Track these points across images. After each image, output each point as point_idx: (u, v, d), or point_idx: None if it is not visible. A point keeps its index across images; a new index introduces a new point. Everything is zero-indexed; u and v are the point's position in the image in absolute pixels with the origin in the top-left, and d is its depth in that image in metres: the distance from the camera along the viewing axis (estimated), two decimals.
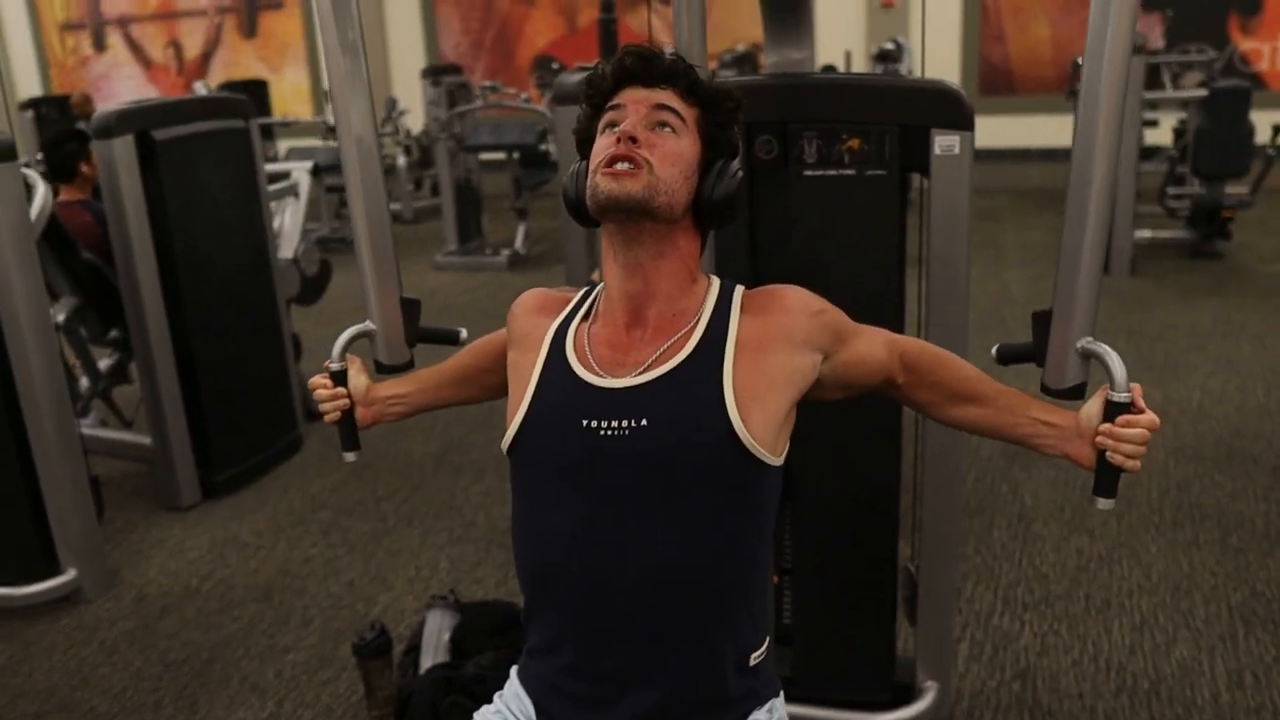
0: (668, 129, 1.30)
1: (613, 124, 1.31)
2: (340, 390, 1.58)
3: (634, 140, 1.27)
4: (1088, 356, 1.42)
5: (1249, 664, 2.44)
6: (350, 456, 1.64)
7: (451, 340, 1.75)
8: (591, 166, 1.30)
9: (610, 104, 1.33)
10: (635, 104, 1.30)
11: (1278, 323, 4.95)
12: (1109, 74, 1.32)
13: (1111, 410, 1.29)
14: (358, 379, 1.61)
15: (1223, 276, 5.82)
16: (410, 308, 1.72)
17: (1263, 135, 5.99)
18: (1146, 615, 2.65)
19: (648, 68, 1.31)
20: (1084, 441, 1.32)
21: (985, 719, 2.29)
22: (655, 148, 1.28)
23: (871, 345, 1.40)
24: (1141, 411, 1.28)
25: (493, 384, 1.58)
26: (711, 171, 1.33)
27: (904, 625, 2.27)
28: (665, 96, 1.31)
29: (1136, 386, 1.29)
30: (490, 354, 1.57)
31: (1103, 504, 1.33)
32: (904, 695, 2.19)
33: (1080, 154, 1.36)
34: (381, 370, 1.72)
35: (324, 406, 1.59)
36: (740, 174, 1.35)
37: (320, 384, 1.60)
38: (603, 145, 1.30)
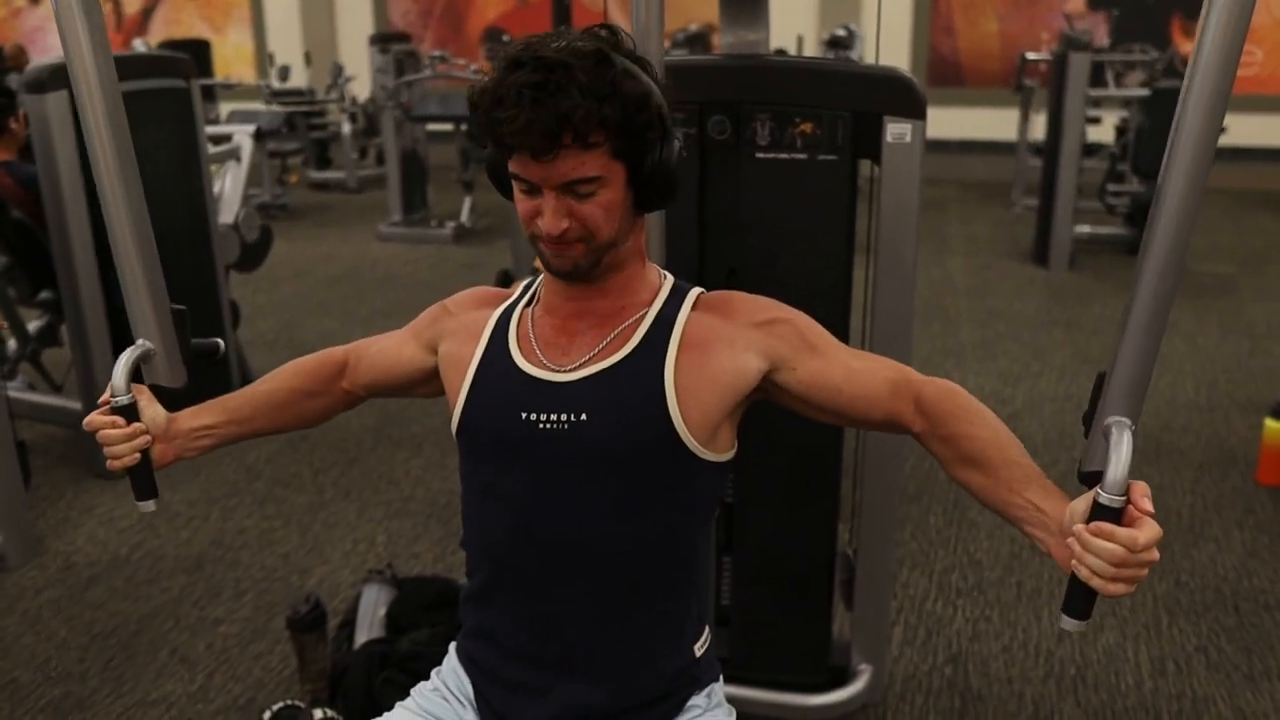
0: (587, 195, 1.16)
1: (525, 190, 1.18)
2: (138, 427, 1.34)
3: (562, 231, 1.17)
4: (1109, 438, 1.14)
5: (1171, 653, 2.50)
6: (149, 506, 1.37)
7: (212, 353, 1.51)
8: (524, 222, 1.20)
9: (512, 162, 1.17)
10: (543, 181, 1.15)
11: (1209, 321, 5.08)
12: (1194, 164, 1.07)
13: (1096, 512, 1.03)
14: (153, 410, 1.37)
15: None
16: (181, 319, 1.46)
17: None
18: None
19: (538, 143, 1.11)
20: (1063, 540, 1.09)
21: (917, 702, 2.33)
22: (585, 218, 1.17)
23: (859, 373, 1.27)
24: (1132, 523, 1.03)
25: (317, 410, 1.46)
26: (642, 171, 1.18)
27: (840, 609, 2.29)
28: (570, 165, 1.13)
29: (1140, 486, 1.04)
30: (319, 376, 1.45)
31: (1067, 624, 1.08)
32: (839, 677, 2.21)
33: (1160, 223, 1.09)
34: (158, 394, 1.42)
35: (117, 449, 1.32)
36: (675, 156, 1.21)
37: (106, 423, 1.33)
38: (526, 209, 1.18)
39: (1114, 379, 1.13)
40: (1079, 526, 1.04)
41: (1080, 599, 1.06)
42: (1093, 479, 1.08)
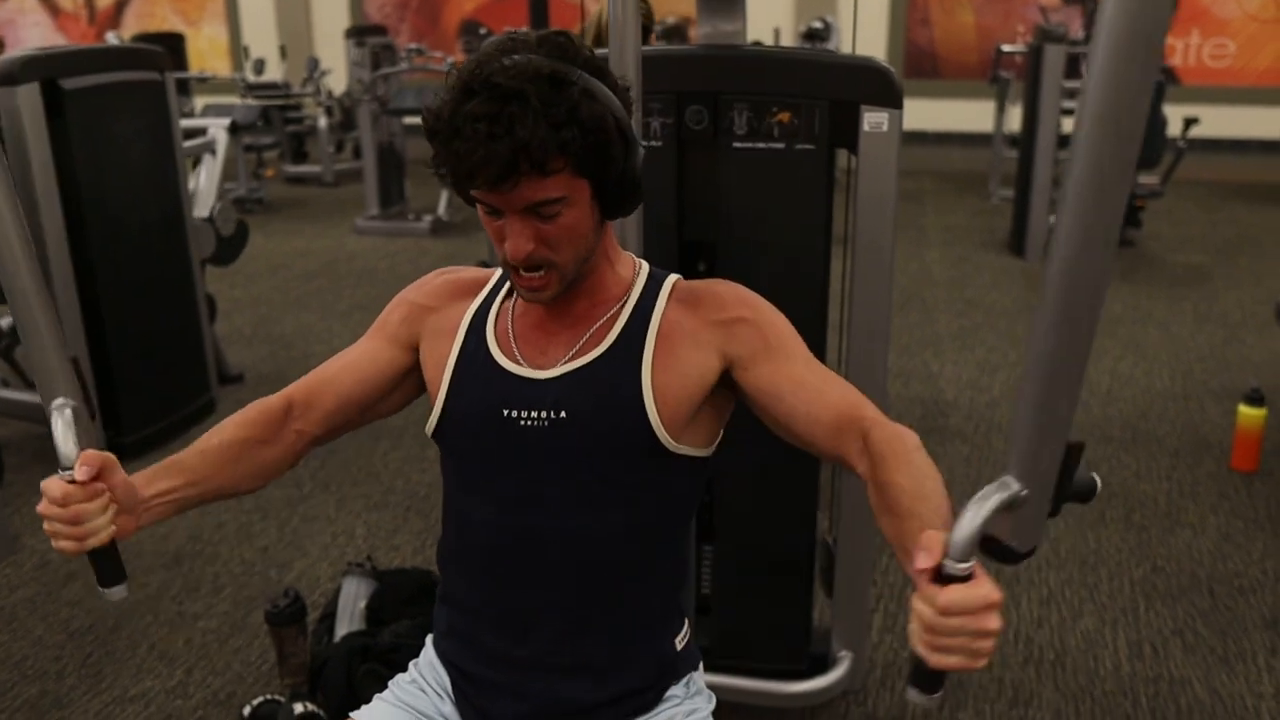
0: (552, 216, 1.14)
1: (489, 212, 1.15)
2: (108, 498, 1.12)
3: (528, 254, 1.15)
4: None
5: (1149, 636, 2.52)
6: (119, 593, 1.18)
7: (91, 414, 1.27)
8: (494, 244, 1.18)
9: (472, 190, 1.13)
10: (505, 206, 1.13)
11: (1183, 310, 5.12)
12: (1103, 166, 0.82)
13: (939, 578, 0.91)
14: (124, 479, 1.15)
15: (1133, 264, 5.99)
16: (78, 368, 1.25)
17: (1174, 128, 6.16)
18: (1054, 589, 2.73)
19: (495, 175, 1.08)
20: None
21: (897, 688, 2.34)
22: (551, 241, 1.15)
23: (804, 388, 1.20)
24: (947, 579, 0.90)
25: (268, 462, 1.30)
26: (607, 184, 1.16)
27: (820, 597, 2.30)
28: (531, 190, 1.10)
29: (933, 546, 0.91)
30: (268, 423, 1.30)
31: (912, 696, 0.96)
32: (819, 665, 2.22)
33: (1061, 269, 0.87)
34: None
35: (95, 524, 1.11)
36: (639, 164, 1.18)
37: (87, 494, 1.10)
38: (493, 231, 1.16)
39: (1012, 436, 0.96)
40: (915, 594, 0.92)
41: (922, 672, 0.93)
42: (987, 543, 0.96)
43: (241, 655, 2.49)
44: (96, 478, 1.11)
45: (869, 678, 2.36)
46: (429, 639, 1.42)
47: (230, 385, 4.13)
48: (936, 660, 0.90)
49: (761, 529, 2.14)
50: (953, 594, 0.88)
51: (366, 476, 3.42)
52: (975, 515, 0.91)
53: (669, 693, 1.34)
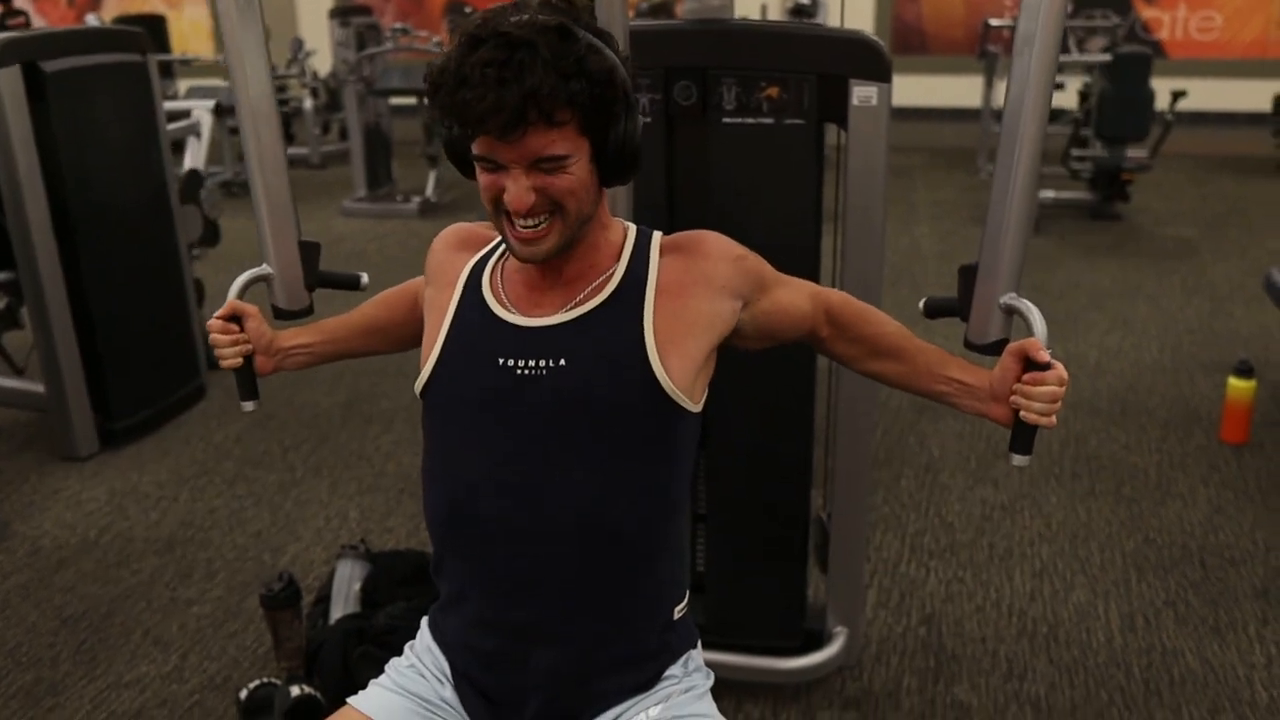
0: (554, 170, 1.15)
1: (491, 166, 1.16)
2: (242, 335, 1.50)
3: (530, 206, 1.16)
4: (1010, 313, 1.42)
5: (1140, 608, 2.54)
6: (249, 406, 1.57)
7: (352, 285, 1.70)
8: (487, 201, 1.19)
9: (476, 143, 1.15)
10: (510, 161, 1.14)
11: (1171, 284, 5.13)
12: (1042, 36, 1.32)
13: (1029, 368, 1.28)
14: (259, 327, 1.51)
15: (1121, 237, 6.00)
16: (309, 251, 1.67)
17: (1162, 101, 6.16)
18: (1046, 562, 2.74)
19: (505, 123, 1.09)
20: (998, 401, 1.32)
21: (892, 663, 2.35)
22: (551, 190, 1.16)
23: (794, 296, 1.36)
24: (1050, 367, 1.27)
25: (400, 336, 1.54)
26: (608, 145, 1.18)
27: (815, 573, 2.31)
28: (538, 143, 1.12)
29: (1035, 342, 1.29)
30: (399, 305, 1.53)
31: (1018, 460, 1.33)
32: (814, 641, 2.23)
33: (1011, 111, 1.37)
34: (279, 316, 1.64)
35: (223, 352, 1.50)
36: (639, 130, 1.21)
37: (220, 328, 1.50)
38: (489, 184, 1.17)
39: (999, 265, 1.42)
40: (1018, 385, 1.28)
41: (1026, 439, 1.31)
42: (995, 348, 1.40)
43: (237, 640, 2.49)
44: (231, 320, 1.48)
45: (864, 653, 2.37)
46: (424, 622, 1.41)
47: (220, 370, 4.09)
48: (1053, 420, 1.27)
49: (755, 506, 2.14)
50: (1061, 370, 1.25)
51: (358, 460, 3.42)
52: (1041, 320, 1.36)
53: (667, 672, 1.33)
